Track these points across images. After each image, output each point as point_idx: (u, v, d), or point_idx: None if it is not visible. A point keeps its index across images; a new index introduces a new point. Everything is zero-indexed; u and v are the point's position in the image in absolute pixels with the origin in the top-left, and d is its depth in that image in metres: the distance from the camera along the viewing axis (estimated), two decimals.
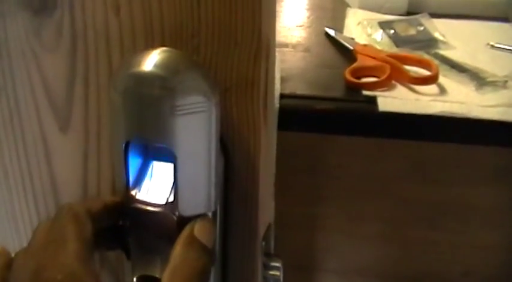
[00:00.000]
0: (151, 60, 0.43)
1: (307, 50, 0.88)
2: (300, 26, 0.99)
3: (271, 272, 0.59)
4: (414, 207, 0.85)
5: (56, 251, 0.42)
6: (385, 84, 0.72)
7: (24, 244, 0.60)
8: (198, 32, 0.48)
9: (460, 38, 0.92)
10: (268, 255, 0.59)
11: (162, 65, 0.43)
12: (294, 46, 0.89)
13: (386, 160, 0.80)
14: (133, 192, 0.48)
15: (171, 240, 0.47)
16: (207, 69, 0.49)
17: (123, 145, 0.46)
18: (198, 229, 0.46)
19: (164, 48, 0.45)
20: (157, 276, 0.49)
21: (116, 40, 0.50)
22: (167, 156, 0.45)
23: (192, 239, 0.45)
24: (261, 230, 0.55)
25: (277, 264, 0.59)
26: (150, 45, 0.49)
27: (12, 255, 0.48)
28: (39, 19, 0.50)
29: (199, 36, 0.48)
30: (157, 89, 0.42)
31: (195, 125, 0.44)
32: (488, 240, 0.87)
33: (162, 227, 0.47)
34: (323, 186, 0.84)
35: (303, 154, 0.80)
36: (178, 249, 0.45)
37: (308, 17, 1.05)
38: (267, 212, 0.57)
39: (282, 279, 0.60)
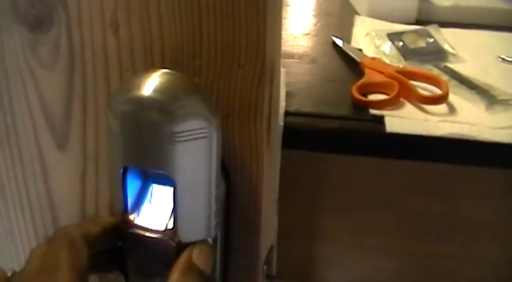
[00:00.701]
0: (151, 84, 0.41)
1: (313, 61, 0.86)
2: (307, 34, 0.97)
3: None
4: (419, 220, 0.83)
5: (48, 279, 0.41)
6: (393, 103, 0.70)
7: (22, 260, 0.60)
8: (199, 53, 0.47)
9: (470, 50, 0.90)
10: (269, 277, 0.58)
11: (162, 90, 0.41)
12: (300, 57, 0.87)
13: (393, 175, 0.79)
14: (131, 217, 0.47)
15: (170, 266, 0.46)
16: (208, 93, 0.47)
17: (121, 170, 0.44)
18: (197, 255, 0.45)
19: (164, 71, 0.43)
20: None
21: (114, 60, 0.49)
22: (167, 179, 0.44)
23: (190, 265, 0.44)
24: (263, 254, 0.54)
25: None
26: (150, 66, 0.47)
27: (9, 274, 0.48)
28: (35, 35, 0.49)
29: (201, 57, 0.47)
30: (156, 114, 0.41)
31: (195, 152, 0.42)
32: (493, 255, 0.85)
33: (161, 253, 0.46)
34: (326, 197, 0.83)
35: (307, 171, 0.79)
36: (175, 276, 0.43)
37: (315, 25, 1.03)
38: (269, 235, 0.56)
39: None
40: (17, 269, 0.51)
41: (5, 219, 0.60)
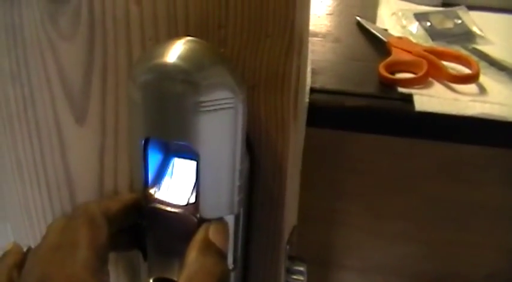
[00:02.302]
0: (175, 52, 0.40)
1: (337, 40, 0.84)
2: (330, 15, 0.96)
3: (295, 277, 0.57)
4: (441, 206, 0.82)
5: (65, 258, 0.40)
6: (422, 81, 0.69)
7: (38, 236, 0.59)
8: (225, 22, 0.45)
9: (499, 33, 0.88)
10: (292, 258, 0.56)
11: (186, 57, 0.40)
12: (324, 36, 0.85)
13: (416, 158, 0.78)
14: (152, 191, 0.45)
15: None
16: (235, 63, 0.45)
17: (142, 142, 0.43)
18: (213, 232, 0.43)
19: (189, 38, 0.41)
20: (174, 279, 0.47)
21: (137, 29, 0.47)
22: (189, 153, 0.42)
23: (208, 243, 0.43)
24: (286, 234, 0.53)
25: (301, 269, 0.57)
26: (174, 36, 0.46)
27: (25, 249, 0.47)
28: (55, 5, 0.48)
29: (227, 27, 0.45)
30: (180, 83, 0.39)
31: (219, 123, 0.41)
32: None
33: (182, 228, 0.45)
34: (347, 181, 0.82)
35: (330, 150, 0.78)
36: (193, 255, 0.42)
37: (338, 5, 1.01)
38: (292, 214, 0.54)
39: None
40: (33, 246, 0.50)
41: (21, 195, 0.59)
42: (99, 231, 0.42)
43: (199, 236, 0.43)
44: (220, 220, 0.44)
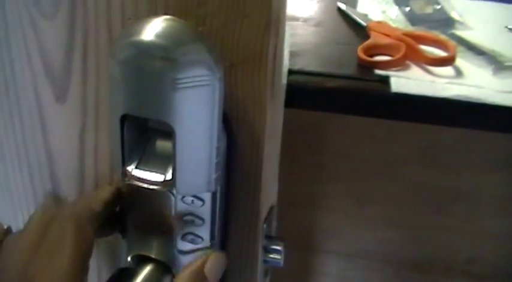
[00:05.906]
0: (153, 29, 0.40)
1: (318, 24, 0.85)
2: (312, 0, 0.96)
3: (272, 256, 0.57)
4: (422, 191, 0.83)
5: (49, 261, 0.40)
6: (399, 64, 0.70)
7: (19, 216, 0.59)
8: (204, 1, 0.45)
9: (478, 20, 0.89)
10: (269, 237, 0.57)
11: (165, 35, 0.40)
12: (305, 20, 0.86)
13: (396, 142, 0.78)
14: (129, 168, 0.46)
15: (168, 219, 0.45)
16: (213, 42, 0.46)
17: (120, 118, 0.43)
18: (210, 266, 0.44)
19: (168, 17, 0.42)
20: (152, 256, 0.48)
21: (117, 7, 0.47)
22: (167, 131, 0.43)
23: (201, 276, 0.43)
24: (263, 213, 0.53)
25: (278, 248, 0.57)
26: (153, 14, 0.46)
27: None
28: None
29: (205, 6, 0.45)
30: (158, 59, 0.40)
31: (196, 100, 0.41)
32: (495, 229, 0.85)
33: (159, 205, 0.45)
34: (329, 165, 0.82)
35: (310, 132, 0.78)
36: None
37: None
38: (270, 193, 0.55)
39: (283, 262, 0.58)
40: (13, 225, 0.51)
41: (2, 174, 0.59)
42: (86, 234, 0.43)
43: (194, 266, 0.44)
44: (220, 253, 0.46)
